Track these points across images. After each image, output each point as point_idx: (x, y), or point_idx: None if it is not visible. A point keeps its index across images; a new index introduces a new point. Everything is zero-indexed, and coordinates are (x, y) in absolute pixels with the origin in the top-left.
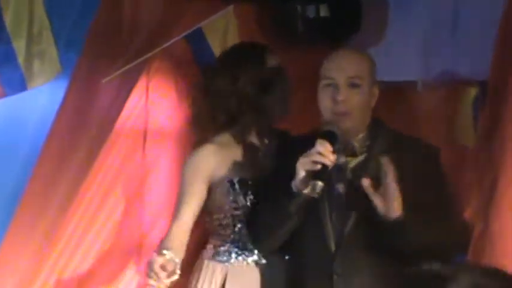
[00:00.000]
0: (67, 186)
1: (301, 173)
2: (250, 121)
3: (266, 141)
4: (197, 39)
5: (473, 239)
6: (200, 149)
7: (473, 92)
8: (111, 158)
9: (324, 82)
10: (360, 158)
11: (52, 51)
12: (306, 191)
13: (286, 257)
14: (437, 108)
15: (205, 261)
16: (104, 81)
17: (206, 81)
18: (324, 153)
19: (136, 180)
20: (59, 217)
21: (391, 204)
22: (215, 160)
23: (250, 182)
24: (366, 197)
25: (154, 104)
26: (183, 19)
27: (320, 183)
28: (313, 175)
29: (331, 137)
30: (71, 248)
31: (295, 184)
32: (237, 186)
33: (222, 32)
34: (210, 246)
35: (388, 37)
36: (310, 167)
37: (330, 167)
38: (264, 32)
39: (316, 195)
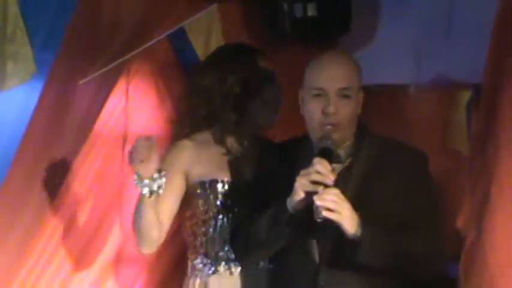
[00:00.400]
0: (42, 193)
1: (300, 194)
2: (232, 122)
3: (246, 144)
4: (179, 39)
5: (465, 248)
6: (176, 143)
7: (466, 95)
8: (89, 163)
9: (312, 92)
10: (345, 163)
11: (27, 52)
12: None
13: (270, 266)
14: (430, 112)
15: (186, 279)
16: (80, 82)
17: (193, 78)
18: (324, 172)
19: (116, 186)
20: (34, 224)
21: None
22: (190, 156)
23: (223, 185)
24: (362, 207)
25: (135, 107)
26: (164, 19)
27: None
28: (312, 196)
29: (328, 155)
30: (47, 256)
31: (291, 204)
32: (207, 187)
33: (206, 32)
34: (188, 262)
35: (379, 38)
36: (310, 188)
37: (330, 185)
38: (249, 32)
39: (320, 219)
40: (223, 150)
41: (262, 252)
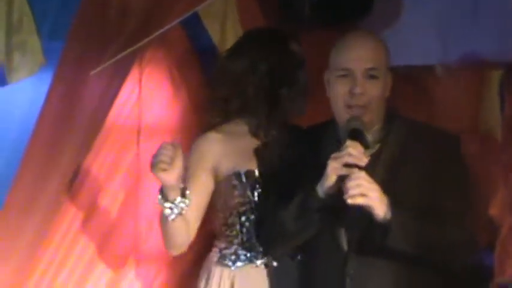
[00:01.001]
0: (54, 188)
1: (332, 178)
2: (265, 113)
3: (274, 133)
4: (194, 25)
5: (500, 237)
6: (204, 136)
7: (498, 75)
8: (103, 156)
9: (338, 73)
10: (373, 150)
11: (34, 41)
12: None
13: (298, 257)
14: (459, 95)
15: (212, 266)
16: (92, 73)
17: (221, 65)
18: (357, 155)
19: (131, 180)
20: (47, 220)
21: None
22: (220, 148)
23: (257, 175)
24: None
25: (148, 96)
26: (178, 3)
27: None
28: (344, 180)
29: (360, 136)
30: (62, 254)
31: (323, 189)
32: (243, 178)
33: (221, 17)
34: (215, 250)
35: (403, 18)
36: (344, 171)
37: (363, 167)
38: (267, 16)
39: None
40: (252, 139)
41: (290, 242)
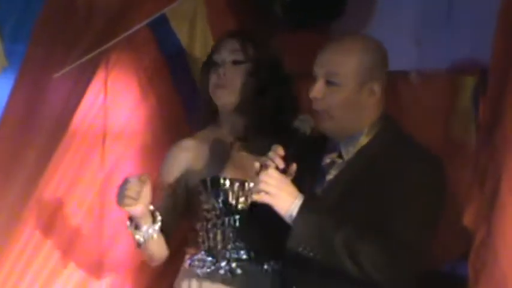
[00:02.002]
0: (15, 197)
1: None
2: (253, 115)
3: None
4: (161, 26)
5: (474, 246)
6: (177, 143)
7: (472, 81)
8: (66, 163)
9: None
10: (344, 162)
11: None
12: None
13: (270, 265)
14: (432, 100)
15: (183, 271)
16: (55, 76)
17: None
18: (273, 158)
19: (95, 188)
20: (8, 229)
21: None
22: (190, 156)
23: (224, 183)
24: (344, 203)
25: (115, 100)
26: (145, 4)
27: None
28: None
29: (292, 140)
30: (25, 260)
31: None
32: (208, 185)
33: (190, 19)
34: (187, 256)
35: (376, 22)
36: (257, 198)
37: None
38: (237, 18)
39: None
40: (227, 146)
41: None
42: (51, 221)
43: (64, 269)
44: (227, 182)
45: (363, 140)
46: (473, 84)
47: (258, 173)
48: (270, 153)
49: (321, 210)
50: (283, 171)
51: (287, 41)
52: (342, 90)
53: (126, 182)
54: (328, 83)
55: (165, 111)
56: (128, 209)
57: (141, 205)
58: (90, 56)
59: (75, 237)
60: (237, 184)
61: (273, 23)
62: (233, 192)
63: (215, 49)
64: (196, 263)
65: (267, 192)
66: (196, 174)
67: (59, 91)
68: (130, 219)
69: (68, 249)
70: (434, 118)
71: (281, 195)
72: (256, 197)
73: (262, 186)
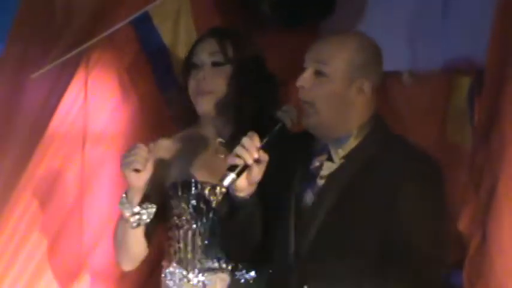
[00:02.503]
0: None
1: (226, 172)
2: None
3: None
4: (144, 24)
5: (469, 253)
6: (154, 143)
7: (467, 82)
8: (45, 166)
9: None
10: (335, 165)
11: None
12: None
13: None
14: (426, 101)
15: (161, 283)
16: (33, 76)
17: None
18: (249, 147)
19: (75, 191)
20: None
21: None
22: (166, 156)
23: (196, 187)
24: (334, 209)
25: (95, 101)
26: (126, 2)
27: (231, 176)
28: (230, 166)
29: (270, 130)
30: (2, 267)
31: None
32: (179, 189)
33: (173, 17)
34: (162, 268)
35: (368, 20)
36: (230, 160)
37: (249, 164)
38: (224, 16)
39: (223, 187)
40: (205, 149)
41: (229, 244)
42: (30, 225)
43: (43, 277)
44: (198, 186)
45: (353, 142)
46: (468, 84)
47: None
48: (246, 143)
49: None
50: (256, 161)
51: (275, 40)
52: (329, 82)
53: (134, 147)
54: (317, 73)
55: (147, 111)
56: (132, 176)
57: (146, 174)
58: (69, 55)
59: (52, 245)
60: (208, 188)
61: (261, 22)
62: (204, 196)
63: (193, 50)
64: (169, 276)
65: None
66: (170, 176)
67: (37, 92)
68: (127, 196)
69: (47, 255)
70: (429, 119)
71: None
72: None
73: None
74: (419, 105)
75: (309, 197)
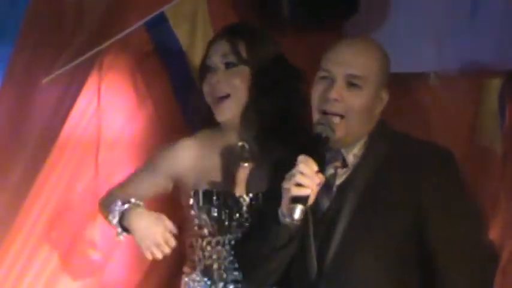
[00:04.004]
0: (4, 207)
1: (285, 199)
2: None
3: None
4: (159, 26)
5: (500, 265)
6: (180, 142)
7: (497, 83)
8: (58, 173)
9: (319, 74)
10: (349, 171)
11: None
12: (287, 218)
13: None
14: (455, 104)
15: None
16: (44, 81)
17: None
18: (308, 174)
19: (88, 200)
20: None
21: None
22: (190, 159)
23: (218, 197)
24: (356, 213)
25: (109, 106)
26: (141, 2)
27: (300, 207)
28: (293, 198)
29: (316, 150)
30: (13, 279)
31: (281, 211)
32: (200, 199)
33: (190, 18)
34: (183, 275)
35: (394, 20)
36: (295, 192)
37: (314, 191)
38: (241, 17)
39: (295, 222)
40: (229, 154)
41: (258, 272)
42: (43, 233)
43: (57, 283)
44: (220, 197)
45: (363, 145)
46: (499, 86)
47: (294, 196)
48: (304, 169)
49: None
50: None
51: (295, 41)
52: (362, 94)
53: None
54: (349, 85)
55: (163, 117)
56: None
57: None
58: (82, 58)
59: (67, 253)
60: (231, 200)
61: (281, 22)
62: (227, 208)
63: (207, 52)
64: (191, 283)
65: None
66: (189, 181)
67: (48, 97)
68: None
69: (62, 263)
70: (457, 122)
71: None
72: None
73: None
74: (447, 107)
75: (325, 205)
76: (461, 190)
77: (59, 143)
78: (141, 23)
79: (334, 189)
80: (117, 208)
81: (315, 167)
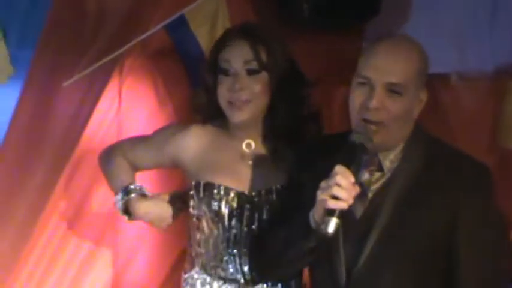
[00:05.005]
0: (22, 215)
1: (320, 210)
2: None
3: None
4: (180, 29)
5: None
6: (189, 127)
7: None
8: (77, 179)
9: (357, 80)
10: (386, 176)
11: (1, 49)
12: (319, 227)
13: None
14: (476, 105)
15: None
16: (65, 84)
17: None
18: (345, 186)
19: (109, 206)
20: (18, 244)
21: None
22: (196, 147)
23: (219, 191)
24: (392, 220)
25: (129, 110)
26: (161, 5)
27: (335, 221)
28: (328, 209)
29: (357, 155)
30: (35, 284)
31: (313, 218)
32: (201, 190)
33: (210, 20)
34: (182, 272)
35: (415, 21)
36: (331, 204)
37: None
38: (261, 18)
39: (329, 235)
40: (235, 150)
41: (279, 272)
42: (65, 235)
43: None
44: (221, 190)
45: (400, 150)
46: None
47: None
48: (341, 181)
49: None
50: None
51: (315, 41)
52: (403, 100)
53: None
54: (389, 91)
55: (184, 119)
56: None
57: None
58: (102, 61)
59: (91, 253)
60: (232, 194)
61: (300, 23)
62: (227, 202)
63: (225, 54)
64: (190, 280)
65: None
66: (192, 170)
67: (69, 100)
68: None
69: (83, 266)
70: (479, 123)
71: None
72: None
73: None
74: (469, 108)
75: (358, 210)
76: (493, 209)
77: (80, 146)
78: (161, 25)
79: (369, 194)
80: (119, 203)
81: (352, 179)
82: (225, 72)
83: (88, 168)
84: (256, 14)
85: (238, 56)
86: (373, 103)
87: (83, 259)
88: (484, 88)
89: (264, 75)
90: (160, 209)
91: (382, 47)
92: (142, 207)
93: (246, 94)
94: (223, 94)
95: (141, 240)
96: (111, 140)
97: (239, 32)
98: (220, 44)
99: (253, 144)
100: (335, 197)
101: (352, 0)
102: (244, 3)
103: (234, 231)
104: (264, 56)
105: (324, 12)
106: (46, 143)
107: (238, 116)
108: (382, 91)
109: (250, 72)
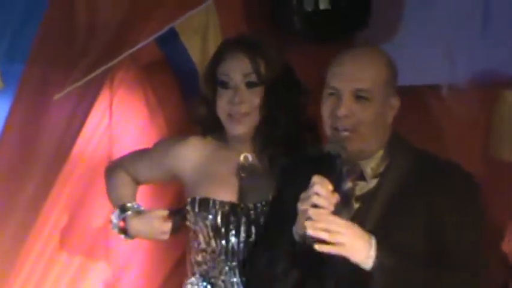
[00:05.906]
0: (14, 229)
1: (302, 221)
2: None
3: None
4: (170, 42)
5: None
6: (188, 139)
7: (511, 95)
8: (69, 191)
9: (326, 91)
10: (371, 184)
11: None
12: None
13: None
14: (468, 117)
15: None
16: (55, 97)
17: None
18: (324, 195)
19: (101, 219)
20: (10, 259)
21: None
22: (194, 161)
23: (214, 205)
24: (377, 229)
25: (120, 123)
26: (152, 18)
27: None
28: (309, 219)
29: (331, 168)
30: None
31: (296, 232)
32: (196, 206)
33: (201, 32)
34: (185, 277)
35: (405, 32)
36: (311, 213)
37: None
38: (252, 30)
39: (313, 247)
40: (231, 163)
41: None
42: (56, 249)
43: None
44: (217, 205)
45: (382, 158)
46: None
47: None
48: (320, 190)
49: (388, 247)
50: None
51: (306, 52)
52: (372, 105)
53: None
54: (357, 97)
55: (175, 131)
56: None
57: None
58: (93, 74)
59: (83, 265)
60: (228, 208)
61: (292, 35)
62: (224, 216)
63: (222, 62)
64: (189, 286)
65: (340, 244)
66: (188, 184)
67: (60, 114)
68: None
69: (76, 279)
70: (470, 134)
71: (356, 243)
72: (318, 248)
73: (325, 235)
74: (460, 119)
75: (345, 218)
76: (480, 220)
77: (71, 159)
78: (151, 38)
79: (355, 203)
80: (115, 221)
81: (330, 187)
82: (225, 85)
83: (79, 181)
84: (248, 25)
85: (238, 69)
86: (342, 111)
87: (75, 270)
88: (475, 99)
89: (261, 87)
90: (150, 228)
91: (348, 56)
92: (135, 225)
93: (246, 107)
94: (222, 107)
95: (135, 250)
96: (103, 152)
97: (237, 44)
98: (219, 57)
99: (250, 157)
100: (315, 206)
101: (342, 13)
102: (235, 15)
103: (231, 244)
104: (262, 69)
105: (314, 25)
106: (37, 157)
107: (237, 129)
108: (349, 98)
109: (250, 85)
